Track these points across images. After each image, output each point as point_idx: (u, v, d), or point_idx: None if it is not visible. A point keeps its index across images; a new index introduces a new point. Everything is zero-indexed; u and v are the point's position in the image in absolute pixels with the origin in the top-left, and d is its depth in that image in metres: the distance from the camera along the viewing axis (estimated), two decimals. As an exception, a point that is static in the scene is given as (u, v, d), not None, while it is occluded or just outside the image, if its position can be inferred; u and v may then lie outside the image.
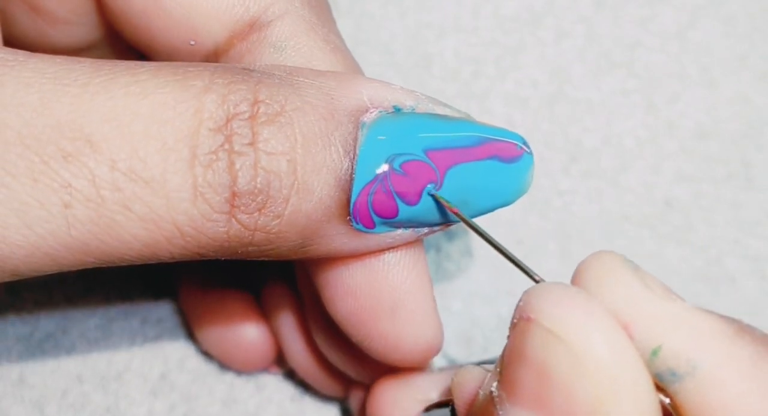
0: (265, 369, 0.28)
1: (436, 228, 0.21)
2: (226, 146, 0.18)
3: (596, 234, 0.30)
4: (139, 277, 0.30)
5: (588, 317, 0.16)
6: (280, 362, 0.28)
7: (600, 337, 0.16)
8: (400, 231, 0.20)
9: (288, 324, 0.27)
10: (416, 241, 0.21)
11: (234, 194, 0.18)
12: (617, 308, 0.17)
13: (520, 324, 0.17)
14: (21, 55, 0.18)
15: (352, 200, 0.19)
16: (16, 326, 0.29)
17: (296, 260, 0.25)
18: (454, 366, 0.26)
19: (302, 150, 0.18)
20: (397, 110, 0.19)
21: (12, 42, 0.23)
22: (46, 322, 0.29)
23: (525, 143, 0.20)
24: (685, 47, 0.32)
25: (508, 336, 0.18)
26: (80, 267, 0.18)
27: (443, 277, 0.30)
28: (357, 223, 0.19)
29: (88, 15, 0.23)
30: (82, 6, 0.23)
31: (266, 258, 0.19)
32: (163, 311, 0.30)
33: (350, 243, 0.20)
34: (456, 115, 0.20)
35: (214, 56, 0.22)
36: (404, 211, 0.19)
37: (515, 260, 0.20)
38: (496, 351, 0.29)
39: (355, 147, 0.19)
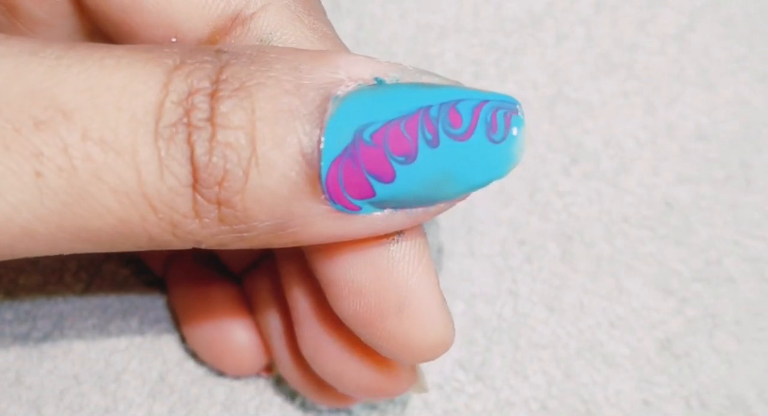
0: (257, 374, 0.28)
1: (431, 208, 0.19)
2: (185, 120, 0.17)
3: (597, 235, 0.30)
4: (138, 277, 0.30)
5: None
6: (273, 366, 0.28)
7: None
8: (387, 211, 0.19)
9: (276, 334, 0.26)
10: (419, 234, 0.21)
11: (195, 168, 0.17)
12: None
13: None
14: None
15: (323, 177, 0.18)
16: (13, 326, 0.29)
17: (289, 264, 0.25)
18: None
19: (261, 123, 0.18)
20: (380, 82, 0.18)
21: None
22: (44, 322, 0.29)
23: (519, 106, 0.19)
24: (684, 49, 0.33)
25: None
26: (57, 249, 0.18)
27: (445, 278, 0.30)
28: (335, 203, 0.18)
29: (66, 16, 0.23)
30: (59, 6, 0.22)
31: (251, 246, 0.19)
32: (162, 312, 0.29)
33: (334, 227, 0.19)
34: (445, 83, 0.19)
35: None
36: (381, 190, 0.18)
37: None
38: (498, 351, 0.29)
39: (323, 120, 0.18)
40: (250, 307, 0.27)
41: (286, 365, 0.26)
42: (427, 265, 0.21)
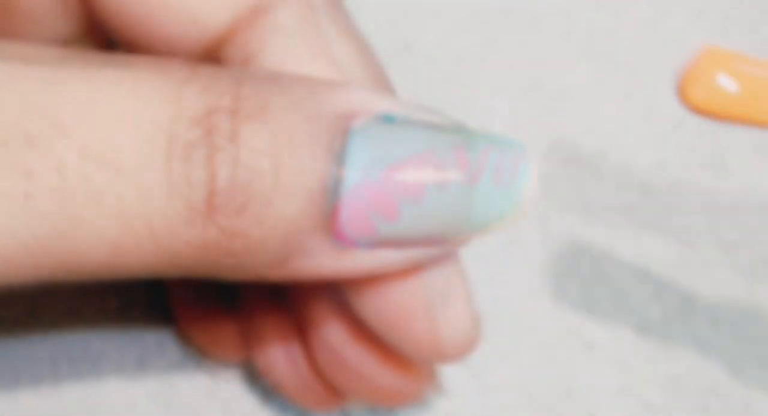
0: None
1: (431, 250, 0.19)
2: (206, 140, 0.16)
3: (575, 221, 0.31)
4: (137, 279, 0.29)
5: None
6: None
7: None
8: (384, 250, 0.18)
9: (269, 335, 0.26)
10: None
11: (213, 193, 0.16)
12: None
13: None
14: None
15: (330, 211, 0.17)
16: (11, 326, 0.28)
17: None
18: None
19: (286, 150, 0.17)
20: (388, 119, 0.18)
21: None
22: (42, 322, 0.29)
23: (526, 150, 0.19)
24: (661, 36, 0.33)
25: None
26: (37, 279, 0.16)
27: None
28: (337, 239, 0.17)
29: (64, 13, 0.21)
30: (57, 2, 0.21)
31: (242, 278, 0.18)
32: (162, 312, 0.29)
33: (331, 262, 0.18)
34: (451, 124, 0.18)
35: (216, 44, 0.20)
36: (384, 228, 0.18)
37: None
38: (497, 351, 0.29)
39: (339, 152, 0.17)
40: (248, 309, 0.27)
41: (277, 369, 0.26)
42: (456, 263, 0.20)
